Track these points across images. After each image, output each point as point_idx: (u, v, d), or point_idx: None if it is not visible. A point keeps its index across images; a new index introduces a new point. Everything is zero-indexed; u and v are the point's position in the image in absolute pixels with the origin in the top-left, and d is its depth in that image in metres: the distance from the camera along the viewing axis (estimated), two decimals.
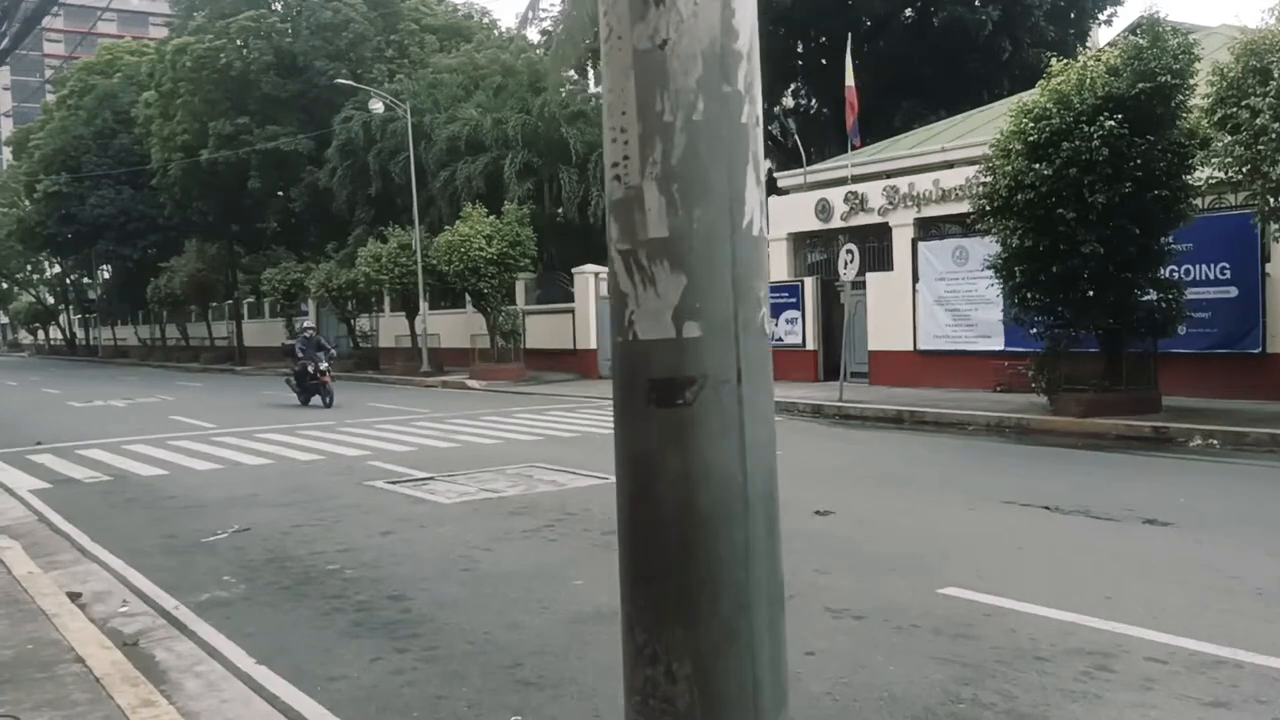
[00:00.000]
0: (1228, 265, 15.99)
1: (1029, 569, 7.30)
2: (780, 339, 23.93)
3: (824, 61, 34.58)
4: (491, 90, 35.57)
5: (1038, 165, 13.90)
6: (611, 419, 1.91)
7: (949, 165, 21.04)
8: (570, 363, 30.52)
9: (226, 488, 12.22)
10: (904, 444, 14.87)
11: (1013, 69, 32.94)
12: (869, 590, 6.79)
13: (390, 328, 37.89)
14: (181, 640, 6.37)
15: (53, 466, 14.56)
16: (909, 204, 20.98)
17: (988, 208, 14.90)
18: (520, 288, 32.57)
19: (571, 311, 30.78)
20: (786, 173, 25.28)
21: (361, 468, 13.39)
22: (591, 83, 42.42)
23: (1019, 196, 14.14)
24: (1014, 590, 6.61)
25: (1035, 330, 15.49)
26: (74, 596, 7.41)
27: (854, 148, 24.70)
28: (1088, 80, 13.94)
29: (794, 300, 23.62)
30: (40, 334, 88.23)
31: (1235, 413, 14.61)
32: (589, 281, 30.15)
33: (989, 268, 15.53)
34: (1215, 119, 12.48)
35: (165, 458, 14.99)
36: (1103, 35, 47.40)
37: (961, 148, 21.58)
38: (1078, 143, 13.59)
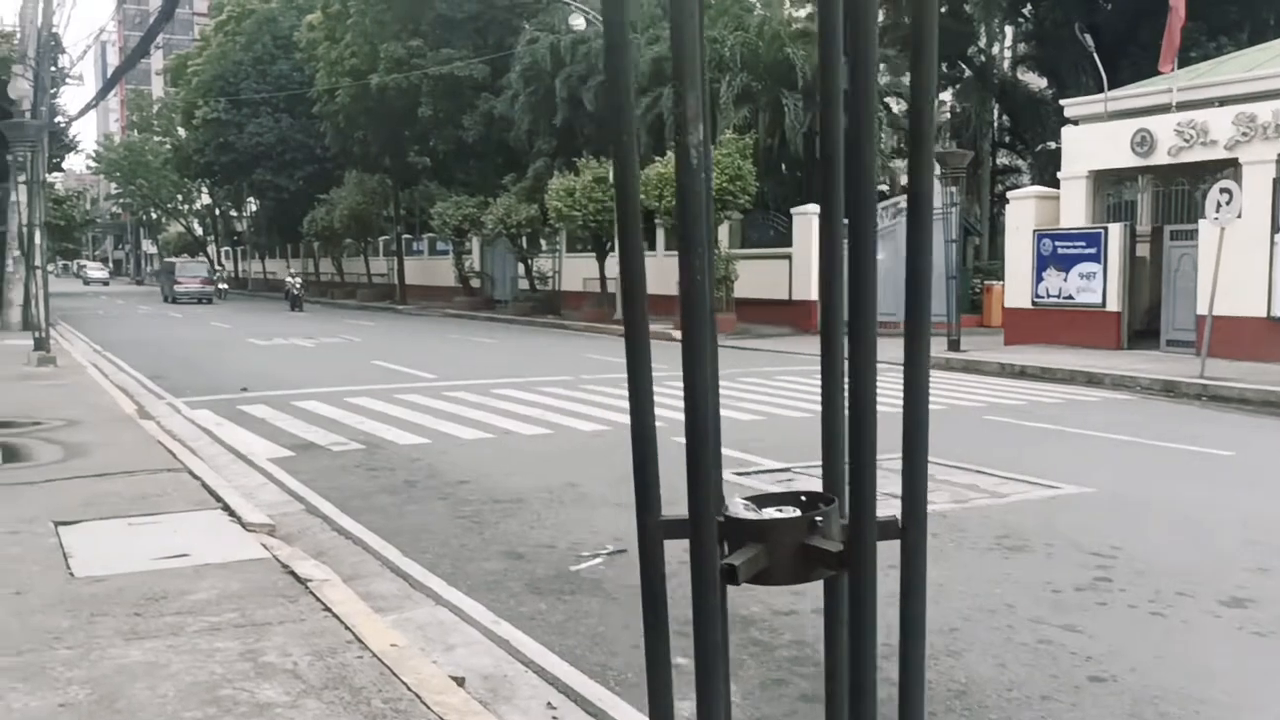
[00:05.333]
0: None
1: None
2: (1071, 296, 20.23)
3: None
4: None
5: None
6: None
7: None
8: (784, 315, 27.20)
9: (524, 470, 9.31)
10: None
11: None
12: None
13: (573, 269, 35.06)
14: None
15: (276, 423, 11.94)
16: (1273, 134, 16.99)
17: None
18: (724, 229, 29.32)
19: (788, 257, 27.41)
20: (1077, 100, 21.36)
21: (675, 447, 10.21)
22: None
23: None
24: None
25: None
26: (458, 682, 4.51)
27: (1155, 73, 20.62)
28: None
29: (1093, 251, 19.79)
30: None
31: None
32: (811, 224, 26.68)
33: None
34: None
35: (409, 418, 12.22)
36: None
37: None
38: None
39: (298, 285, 43.59)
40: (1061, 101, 21.38)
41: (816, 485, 5.89)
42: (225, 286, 56.47)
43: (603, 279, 31.08)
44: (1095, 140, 19.82)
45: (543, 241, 36.16)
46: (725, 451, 6.86)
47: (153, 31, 21.93)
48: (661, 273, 30.92)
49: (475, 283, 40.30)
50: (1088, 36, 21.19)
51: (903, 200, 28.07)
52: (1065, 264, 20.26)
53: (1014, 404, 13.92)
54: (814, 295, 21.97)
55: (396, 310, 41.69)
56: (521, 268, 36.62)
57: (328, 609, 5.02)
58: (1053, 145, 25.81)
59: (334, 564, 6.35)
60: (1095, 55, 20.88)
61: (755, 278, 27.75)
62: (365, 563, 6.57)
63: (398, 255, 46.68)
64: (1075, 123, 20.97)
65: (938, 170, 27.15)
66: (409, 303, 44.08)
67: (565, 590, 5.94)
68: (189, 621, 4.81)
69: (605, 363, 19.29)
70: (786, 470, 9.20)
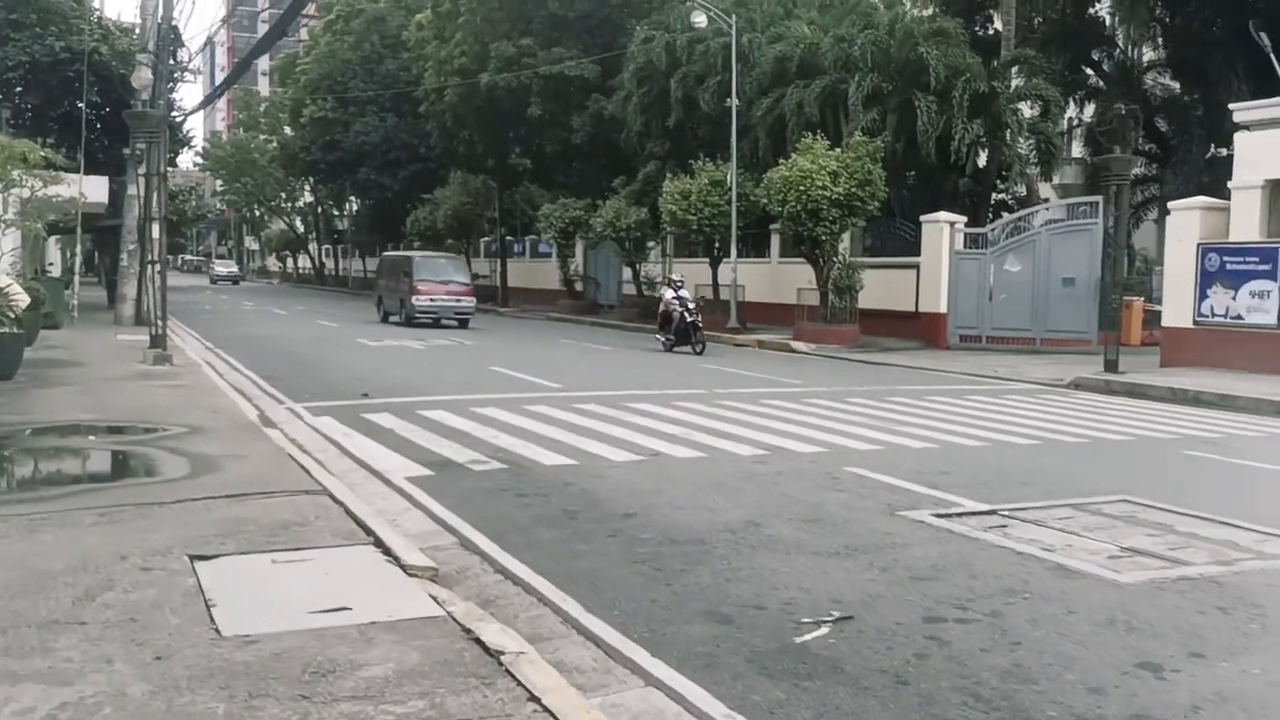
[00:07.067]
0: None
1: None
2: (1240, 316, 18.62)
3: None
4: (815, 5, 30.88)
5: None
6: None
7: None
8: (909, 328, 25.83)
9: (692, 502, 8.26)
10: None
11: None
12: None
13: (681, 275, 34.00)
14: None
15: (406, 435, 11.09)
16: None
17: None
18: (847, 236, 28.03)
19: (916, 267, 26.03)
20: (1250, 104, 19.68)
21: (850, 479, 9.19)
22: None
23: None
24: None
25: None
26: None
27: None
28: None
29: (1267, 268, 18.13)
30: (289, 262, 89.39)
31: None
32: (942, 232, 25.34)
33: None
34: None
35: (545, 433, 11.27)
36: None
37: None
38: None
39: (692, 305, 23.63)
40: (1231, 106, 19.68)
41: (1026, 531, 4.51)
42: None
43: (715, 285, 29.99)
44: (1275, 146, 18.17)
45: (649, 245, 35.21)
46: (913, 487, 5.43)
47: (287, 16, 21.44)
48: (776, 280, 29.84)
49: (579, 286, 39.51)
50: (1264, 35, 19.53)
51: (1045, 210, 26.54)
52: (1234, 281, 18.64)
53: (1209, 436, 12.50)
54: (943, 308, 20.87)
55: (499, 313, 41.10)
56: (628, 272, 35.69)
57: (535, 699, 4.01)
58: (1224, 152, 23.97)
59: (507, 619, 5.38)
60: (1273, 56, 19.22)
61: (879, 288, 26.45)
62: (544, 618, 5.57)
63: (500, 257, 46.15)
64: (1247, 128, 19.32)
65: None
66: (510, 305, 43.48)
67: (800, 671, 4.86)
68: (369, 712, 3.84)
69: (732, 375, 18.21)
70: (993, 513, 8.01)
